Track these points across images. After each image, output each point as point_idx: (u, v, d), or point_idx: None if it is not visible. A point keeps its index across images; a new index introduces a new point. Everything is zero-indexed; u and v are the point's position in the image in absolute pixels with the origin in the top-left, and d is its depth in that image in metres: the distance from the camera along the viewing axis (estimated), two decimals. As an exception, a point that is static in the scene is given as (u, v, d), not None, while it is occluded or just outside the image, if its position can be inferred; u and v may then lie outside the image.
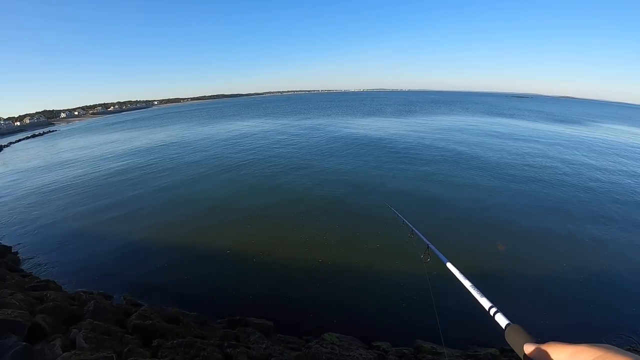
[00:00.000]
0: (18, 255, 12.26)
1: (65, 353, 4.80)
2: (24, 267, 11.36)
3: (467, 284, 1.15)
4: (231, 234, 11.34)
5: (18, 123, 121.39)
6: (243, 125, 50.55)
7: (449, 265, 1.38)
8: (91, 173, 24.94)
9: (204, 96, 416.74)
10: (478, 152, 23.30)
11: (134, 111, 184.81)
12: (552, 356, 0.60)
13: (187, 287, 8.74)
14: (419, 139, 29.51)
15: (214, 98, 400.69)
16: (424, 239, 1.93)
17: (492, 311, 0.96)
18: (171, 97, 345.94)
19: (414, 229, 2.37)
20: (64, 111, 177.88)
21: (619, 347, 0.53)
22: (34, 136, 75.05)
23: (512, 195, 14.50)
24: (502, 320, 0.89)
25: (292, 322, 6.88)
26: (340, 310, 7.05)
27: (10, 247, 12.79)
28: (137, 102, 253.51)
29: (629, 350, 0.62)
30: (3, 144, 58.53)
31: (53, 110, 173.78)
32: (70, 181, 23.05)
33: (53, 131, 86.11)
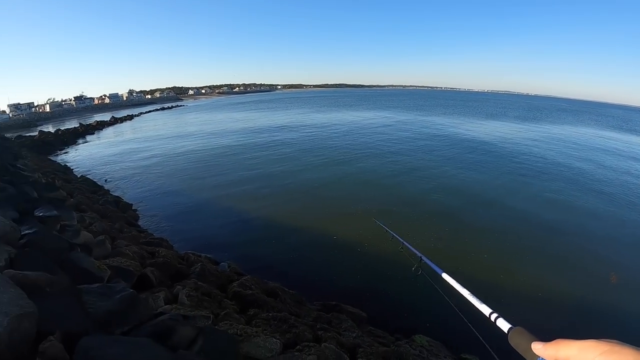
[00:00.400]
0: (137, 213, 13.71)
1: (167, 305, 5.33)
2: (140, 223, 12.82)
3: (465, 292, 1.25)
4: (339, 223, 12.26)
5: (149, 96, 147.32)
6: (363, 116, 55.58)
7: (445, 276, 1.55)
8: (211, 147, 28.45)
9: (326, 84, 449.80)
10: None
11: (257, 93, 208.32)
12: (560, 353, 0.64)
13: (290, 265, 9.70)
14: (544, 149, 29.43)
15: (336, 87, 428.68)
16: (416, 252, 2.22)
17: (493, 317, 1.02)
18: (294, 83, 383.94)
19: (404, 242, 2.65)
20: (192, 88, 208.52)
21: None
22: (162, 109, 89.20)
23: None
24: (504, 324, 0.94)
25: (385, 317, 7.32)
26: (435, 315, 7.31)
27: (132, 204, 14.46)
28: (261, 85, 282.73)
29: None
30: (134, 114, 71.76)
31: (182, 87, 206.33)
32: (191, 152, 26.69)
33: (180, 106, 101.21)
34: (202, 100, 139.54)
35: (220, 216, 13.30)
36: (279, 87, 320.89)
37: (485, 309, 1.09)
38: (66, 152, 30.00)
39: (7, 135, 35.04)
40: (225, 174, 19.52)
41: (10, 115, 69.90)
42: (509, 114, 73.78)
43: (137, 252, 8.13)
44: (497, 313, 1.01)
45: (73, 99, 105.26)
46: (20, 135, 37.12)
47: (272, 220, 12.64)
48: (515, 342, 0.83)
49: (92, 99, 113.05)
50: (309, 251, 10.33)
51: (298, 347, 4.93)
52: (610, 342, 0.57)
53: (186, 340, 4.00)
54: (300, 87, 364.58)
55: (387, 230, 3.18)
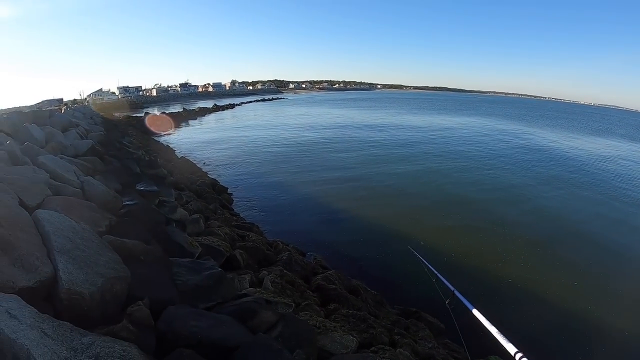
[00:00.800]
0: (231, 197, 14.87)
1: (251, 288, 5.71)
2: (233, 207, 13.90)
3: (493, 330, 1.39)
4: (428, 231, 12.44)
5: (250, 87, 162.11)
6: (463, 122, 54.40)
7: (475, 312, 1.71)
8: (308, 141, 29.76)
9: (427, 86, 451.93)
10: None
11: (356, 91, 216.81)
12: None
13: (373, 266, 10.11)
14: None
15: (436, 90, 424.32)
16: (449, 286, 2.41)
17: (517, 356, 1.16)
18: (394, 83, 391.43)
19: (438, 274, 2.82)
20: (292, 82, 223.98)
21: None
22: (263, 100, 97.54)
23: None
24: None
25: (463, 330, 6.04)
26: (515, 340, 5.30)
27: (227, 188, 15.74)
28: (361, 83, 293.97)
29: None
30: (236, 103, 79.40)
31: (283, 80, 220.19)
32: (287, 144, 28.26)
33: (280, 99, 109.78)
34: (302, 95, 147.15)
35: (311, 209, 14.08)
36: (379, 86, 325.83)
37: (511, 348, 1.18)
38: (169, 134, 33.94)
39: (116, 114, 40.90)
40: (319, 169, 20.44)
41: (119, 97, 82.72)
42: (616, 131, 65.41)
43: (228, 234, 8.84)
44: (523, 354, 1.10)
45: (178, 85, 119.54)
46: (128, 115, 43.18)
47: (361, 220, 13.11)
48: None
49: (196, 86, 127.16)
50: (393, 254, 10.63)
51: (373, 348, 5.18)
52: None
53: (266, 324, 4.19)
54: (400, 88, 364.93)
55: (422, 261, 3.31)
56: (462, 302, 1.97)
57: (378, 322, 6.21)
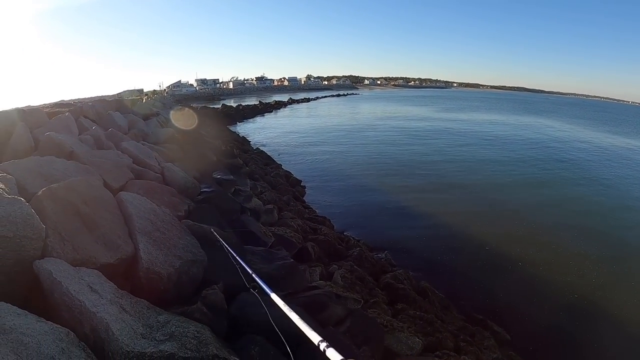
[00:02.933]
0: (304, 189, 15.00)
1: (321, 281, 5.74)
2: (306, 199, 14.01)
3: (294, 317, 1.43)
4: (507, 239, 12.06)
5: (326, 82, 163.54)
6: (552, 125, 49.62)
7: (274, 297, 1.83)
8: (383, 141, 29.02)
9: (504, 86, 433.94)
10: None
11: (432, 89, 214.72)
12: None
13: (444, 269, 9.91)
14: None
15: (514, 90, 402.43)
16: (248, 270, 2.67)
17: (322, 346, 1.08)
18: (470, 82, 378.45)
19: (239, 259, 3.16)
20: (367, 78, 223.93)
21: None
22: (338, 95, 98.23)
23: None
24: (335, 356, 0.99)
25: (529, 346, 7.37)
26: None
27: (300, 180, 15.97)
28: (436, 80, 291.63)
29: None
30: (311, 97, 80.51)
31: (358, 76, 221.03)
32: (363, 142, 27.87)
33: (355, 94, 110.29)
34: (377, 91, 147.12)
35: (383, 208, 13.95)
36: (455, 84, 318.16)
37: (314, 337, 1.13)
38: (245, 125, 35.44)
39: (194, 105, 43.34)
40: (395, 169, 20.00)
41: (197, 89, 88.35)
42: None
43: (301, 226, 8.95)
44: (328, 343, 1.06)
45: (255, 79, 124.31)
46: (205, 106, 45.65)
47: (434, 222, 12.84)
48: None
49: (272, 80, 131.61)
50: (465, 258, 10.50)
51: (437, 352, 5.19)
52: None
53: (336, 318, 4.21)
54: (477, 87, 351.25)
55: (226, 248, 3.76)
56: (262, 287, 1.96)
57: (444, 327, 6.23)
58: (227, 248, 3.73)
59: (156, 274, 3.09)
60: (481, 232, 11.99)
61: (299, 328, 1.32)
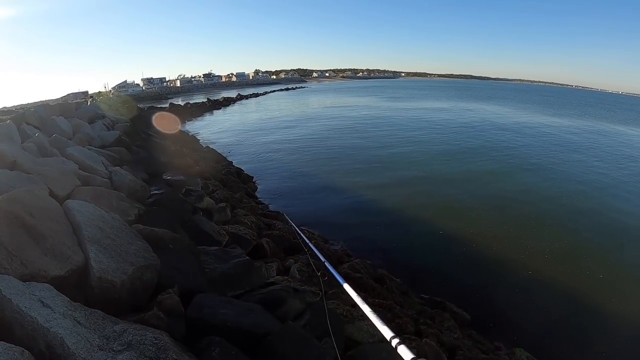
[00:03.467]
0: (257, 185, 14.93)
1: (278, 276, 5.76)
2: (259, 195, 14.01)
3: (366, 309, 1.33)
4: (457, 219, 12.40)
5: (274, 77, 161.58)
6: (500, 111, 51.26)
7: (347, 287, 1.74)
8: (332, 131, 29.30)
9: (452, 74, 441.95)
10: None
11: (380, 79, 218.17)
12: None
13: (399, 254, 10.07)
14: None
15: (461, 78, 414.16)
16: (320, 257, 2.43)
17: (394, 342, 1.05)
18: (418, 71, 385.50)
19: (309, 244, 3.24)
20: (316, 71, 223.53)
21: None
22: (287, 89, 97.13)
23: None
24: (406, 354, 0.97)
25: (488, 323, 7.53)
26: (541, 332, 7.50)
27: (252, 176, 15.93)
28: (385, 71, 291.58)
29: None
30: (259, 92, 79.76)
31: (306, 69, 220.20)
32: (311, 134, 27.88)
33: (304, 87, 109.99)
34: (326, 83, 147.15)
35: (335, 199, 14.02)
36: (403, 74, 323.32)
37: (387, 332, 1.10)
38: (194, 124, 34.49)
39: (140, 105, 41.70)
40: (344, 159, 20.36)
41: (144, 88, 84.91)
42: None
43: (255, 222, 8.91)
44: (400, 339, 1.04)
45: (202, 76, 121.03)
46: (152, 106, 44.07)
47: (386, 209, 13.03)
48: None
49: (219, 76, 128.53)
50: (419, 243, 10.62)
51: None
52: None
53: (294, 312, 4.22)
54: (425, 76, 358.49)
55: (296, 230, 3.56)
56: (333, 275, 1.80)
57: (404, 312, 6.27)
58: (298, 233, 3.69)
59: (109, 283, 3.02)
60: (435, 218, 12.22)
61: (369, 320, 1.28)
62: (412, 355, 0.93)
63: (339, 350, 3.95)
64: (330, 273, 1.84)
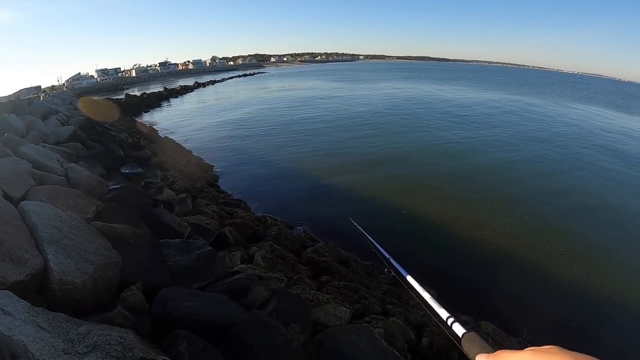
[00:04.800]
0: (217, 174, 14.72)
1: (243, 265, 5.68)
2: (220, 184, 13.79)
3: (426, 295, 1.38)
4: (419, 196, 12.63)
5: (231, 63, 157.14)
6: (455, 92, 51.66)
7: (409, 279, 1.70)
8: (291, 115, 29.09)
9: (410, 56, 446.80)
10: None
11: (339, 62, 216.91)
12: None
13: (363, 237, 9.13)
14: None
15: (419, 59, 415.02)
16: (385, 254, 2.39)
17: (449, 321, 1.14)
18: (377, 54, 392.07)
19: (375, 243, 2.74)
20: (274, 56, 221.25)
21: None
22: (245, 75, 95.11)
23: None
24: (459, 329, 1.02)
25: (453, 299, 7.55)
26: (505, 305, 7.58)
27: (212, 165, 15.59)
28: (343, 54, 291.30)
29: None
30: (217, 79, 77.63)
31: (264, 54, 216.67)
32: (271, 119, 27.60)
33: (262, 73, 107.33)
34: (284, 68, 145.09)
35: (298, 183, 13.91)
36: (361, 57, 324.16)
37: (443, 313, 1.19)
38: (151, 114, 33.20)
39: (95, 98, 39.59)
40: (304, 143, 20.30)
41: (98, 80, 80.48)
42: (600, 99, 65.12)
43: (217, 212, 8.76)
44: (454, 318, 1.09)
45: (158, 64, 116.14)
46: (107, 97, 41.72)
47: (348, 191, 12.99)
48: (466, 348, 0.89)
49: (176, 64, 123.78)
50: (383, 224, 10.55)
51: (366, 318, 5.19)
52: (548, 350, 0.60)
53: (260, 300, 4.22)
54: (383, 58, 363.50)
55: (361, 232, 3.39)
56: (398, 270, 1.96)
57: (370, 293, 6.27)
58: (362, 232, 3.61)
59: (70, 284, 2.94)
60: (398, 198, 12.24)
61: (427, 303, 1.37)
62: (463, 330, 1.00)
63: (306, 335, 4.00)
64: (395, 268, 1.96)
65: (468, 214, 11.40)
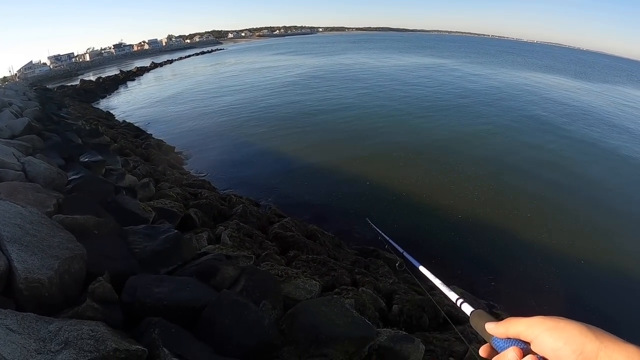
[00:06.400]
0: (180, 155, 14.29)
1: (210, 246, 5.60)
2: (183, 166, 13.44)
3: (437, 282, 1.40)
4: (382, 168, 12.52)
5: (188, 41, 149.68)
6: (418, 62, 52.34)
7: (422, 268, 1.73)
8: (249, 92, 28.41)
9: (369, 27, 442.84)
10: None
11: (298, 36, 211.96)
12: (510, 330, 0.70)
13: (328, 209, 10.04)
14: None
15: (379, 30, 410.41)
16: (398, 248, 2.42)
17: (458, 302, 1.12)
18: (336, 26, 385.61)
19: (388, 239, 2.78)
20: (231, 32, 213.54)
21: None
22: (202, 53, 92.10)
23: None
24: (467, 308, 1.04)
25: (420, 264, 6.51)
26: (471, 268, 7.69)
27: (174, 147, 15.03)
28: (302, 27, 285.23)
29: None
30: (174, 58, 74.65)
31: (221, 30, 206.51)
32: (229, 96, 26.86)
33: (220, 50, 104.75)
34: (242, 44, 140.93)
35: (261, 160, 13.74)
36: (320, 29, 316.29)
37: (453, 296, 1.21)
38: (108, 99, 31.43)
39: (49, 86, 36.92)
40: (265, 119, 19.75)
41: (51, 67, 74.60)
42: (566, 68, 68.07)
43: (181, 194, 8.56)
44: (463, 299, 1.12)
45: (112, 47, 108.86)
46: (62, 85, 39.04)
47: (312, 166, 12.89)
48: (474, 323, 0.92)
49: (131, 46, 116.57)
50: (349, 196, 10.54)
51: (336, 289, 5.12)
52: (556, 318, 0.63)
53: (229, 280, 4.19)
54: (342, 30, 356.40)
55: (376, 230, 3.36)
56: (411, 262, 2.00)
57: (338, 264, 6.19)
58: (375, 228, 3.54)
59: (37, 282, 2.84)
60: (362, 170, 12.19)
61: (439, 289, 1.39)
62: (471, 309, 1.02)
63: (278, 311, 4.00)
64: (409, 261, 2.03)
65: (435, 183, 11.41)
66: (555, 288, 7.34)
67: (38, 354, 2.04)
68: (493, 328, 0.76)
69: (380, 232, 3.21)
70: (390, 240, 2.71)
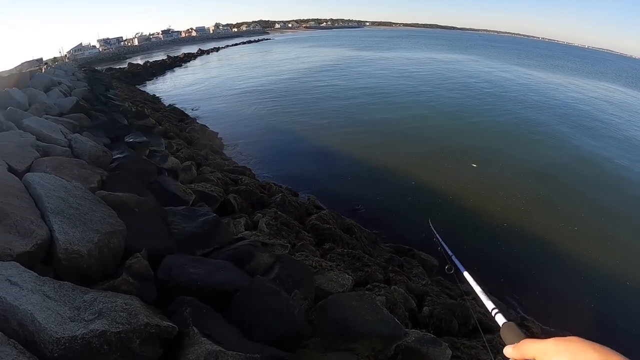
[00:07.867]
0: (222, 141, 14.69)
1: (247, 232, 5.62)
2: (225, 152, 13.80)
3: (477, 289, 1.46)
4: (429, 168, 12.38)
5: (235, 29, 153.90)
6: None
7: (465, 274, 1.79)
8: (298, 83, 28.56)
9: (417, 24, 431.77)
10: None
11: (345, 29, 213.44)
12: (525, 354, 0.71)
13: (370, 205, 10.05)
14: None
15: (427, 27, 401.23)
16: (449, 251, 2.39)
17: (493, 312, 1.17)
18: (383, 20, 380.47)
19: (441, 241, 2.77)
20: (278, 22, 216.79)
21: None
22: (249, 42, 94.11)
23: None
24: (500, 319, 1.07)
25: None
26: (509, 277, 7.58)
27: (217, 132, 15.47)
28: (349, 20, 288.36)
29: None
30: (220, 46, 77.20)
31: (269, 20, 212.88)
32: (276, 86, 27.13)
33: (267, 39, 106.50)
34: (289, 34, 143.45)
35: (303, 151, 13.91)
36: (368, 23, 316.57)
37: (489, 305, 1.24)
38: (154, 83, 32.85)
39: (98, 68, 39.15)
40: (311, 111, 19.90)
41: (101, 50, 79.21)
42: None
43: (221, 179, 8.77)
44: (498, 309, 1.15)
45: (161, 32, 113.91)
46: (110, 67, 41.38)
47: (355, 160, 12.92)
48: (503, 335, 0.94)
49: (179, 32, 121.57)
50: (388, 193, 10.61)
51: (369, 285, 5.18)
52: (570, 340, 0.61)
53: (264, 267, 4.24)
54: (390, 25, 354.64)
55: (433, 231, 3.31)
56: (457, 266, 2.04)
57: (372, 260, 6.21)
58: (432, 229, 3.67)
59: (76, 253, 2.97)
60: (405, 168, 12.11)
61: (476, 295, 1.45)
62: (504, 320, 1.05)
63: (309, 301, 4.01)
64: (456, 265, 2.01)
65: (483, 186, 11.10)
66: (597, 308, 7.04)
67: (72, 321, 2.10)
68: (510, 352, 0.78)
69: (437, 234, 3.23)
70: (444, 243, 2.73)
